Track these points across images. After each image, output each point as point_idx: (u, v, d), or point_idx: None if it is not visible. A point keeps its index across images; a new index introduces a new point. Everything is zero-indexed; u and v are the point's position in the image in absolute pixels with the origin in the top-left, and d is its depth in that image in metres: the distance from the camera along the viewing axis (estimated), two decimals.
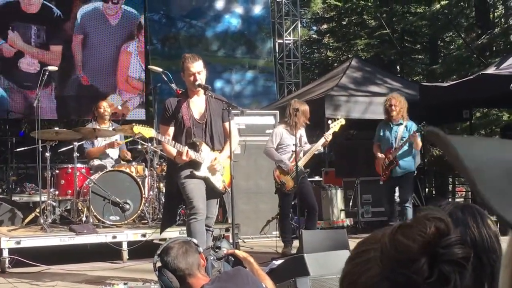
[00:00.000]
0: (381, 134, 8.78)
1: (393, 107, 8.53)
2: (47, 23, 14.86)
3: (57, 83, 14.56)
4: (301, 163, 8.01)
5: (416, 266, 0.96)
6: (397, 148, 8.50)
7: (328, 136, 8.00)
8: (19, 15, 14.59)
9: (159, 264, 3.64)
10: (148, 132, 5.97)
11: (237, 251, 4.27)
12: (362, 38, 20.42)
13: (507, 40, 18.10)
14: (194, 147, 5.78)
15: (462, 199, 20.87)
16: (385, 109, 8.73)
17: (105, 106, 9.17)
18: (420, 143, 8.66)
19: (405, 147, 8.49)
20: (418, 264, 0.96)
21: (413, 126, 8.53)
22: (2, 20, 14.36)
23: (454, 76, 17.11)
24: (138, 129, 5.97)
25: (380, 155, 8.69)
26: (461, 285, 0.98)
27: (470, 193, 18.45)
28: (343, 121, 8.37)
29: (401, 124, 8.58)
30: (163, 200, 7.99)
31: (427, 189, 14.15)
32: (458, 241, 0.99)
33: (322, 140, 8.03)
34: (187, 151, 5.64)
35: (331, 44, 23.54)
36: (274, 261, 5.16)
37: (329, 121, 8.39)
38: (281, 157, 8.15)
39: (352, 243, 6.39)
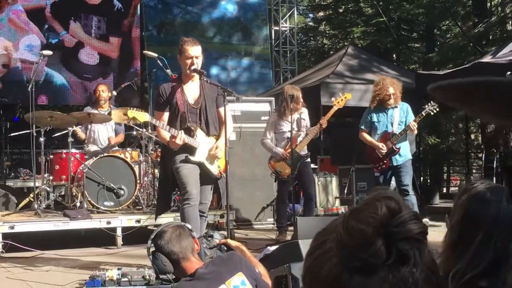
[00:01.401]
0: (374, 119, 7.82)
1: (391, 96, 7.69)
2: (108, 15, 15.25)
3: (116, 74, 14.93)
4: (298, 149, 8.00)
5: (372, 249, 0.94)
6: (396, 135, 7.67)
7: (324, 122, 8.01)
8: (82, 6, 15.00)
9: (153, 248, 3.63)
10: (142, 116, 5.93)
11: (229, 240, 4.27)
12: (359, 26, 20.35)
13: (504, 28, 18.05)
14: (189, 132, 5.75)
15: (457, 188, 20.93)
16: (380, 97, 7.73)
17: (101, 90, 9.16)
18: (416, 129, 7.83)
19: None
20: (375, 247, 0.94)
21: (408, 107, 7.84)
22: (65, 10, 14.73)
23: (451, 65, 17.06)
24: (132, 113, 5.93)
25: (377, 143, 7.76)
26: (421, 260, 0.96)
27: (464, 181, 18.48)
28: (348, 96, 8.34)
29: (396, 107, 7.78)
30: (158, 186, 7.98)
31: (422, 178, 14.16)
32: (412, 217, 0.97)
33: (317, 126, 8.03)
34: (182, 135, 5.61)
35: (327, 32, 23.49)
36: (268, 247, 5.15)
37: (332, 99, 8.35)
38: (272, 146, 8.23)
39: None
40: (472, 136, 19.01)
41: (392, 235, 0.95)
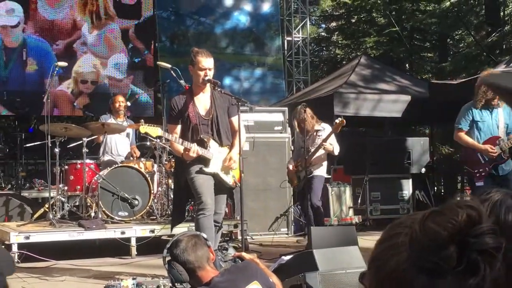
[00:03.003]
0: (477, 118, 6.67)
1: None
2: None
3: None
4: (302, 165, 8.31)
5: (444, 253, 0.94)
6: (504, 141, 6.64)
7: (328, 146, 8.16)
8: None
9: (168, 257, 3.65)
10: (155, 131, 5.96)
11: (243, 254, 4.28)
12: (371, 36, 20.34)
13: None
14: (202, 143, 5.78)
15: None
16: (482, 95, 6.63)
17: (121, 101, 9.33)
18: None
19: None
20: (447, 252, 0.94)
21: (510, 109, 6.67)
22: (148, 31, 15.65)
23: (464, 74, 17.03)
24: (145, 128, 5.97)
25: (482, 145, 6.63)
26: (490, 275, 0.96)
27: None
28: (343, 122, 8.16)
29: (499, 107, 6.69)
30: (172, 196, 8.02)
31: (435, 188, 14.10)
32: (490, 231, 0.96)
33: (321, 150, 8.25)
34: (195, 147, 5.65)
35: (340, 42, 23.49)
36: (283, 257, 5.16)
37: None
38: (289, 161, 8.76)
39: (361, 240, 6.38)
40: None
41: (467, 244, 0.95)
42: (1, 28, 14.09)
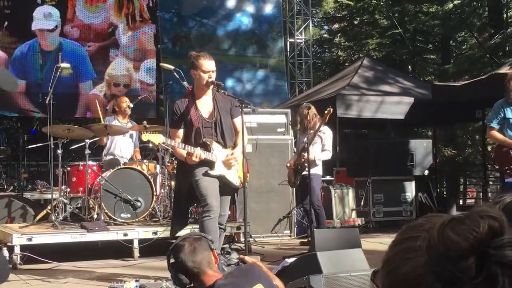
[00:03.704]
0: (509, 115, 6.52)
1: None
2: None
3: None
4: (297, 162, 8.46)
5: (463, 264, 0.92)
6: None
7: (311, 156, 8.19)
8: None
9: (172, 260, 3.63)
10: (157, 138, 5.93)
11: (246, 257, 4.27)
12: (374, 38, 20.34)
13: None
14: (205, 146, 5.77)
15: (473, 200, 20.78)
16: (510, 89, 6.47)
17: (127, 101, 9.34)
18: None
19: None
20: (466, 263, 0.92)
21: None
22: None
23: (466, 76, 17.01)
24: (147, 136, 5.95)
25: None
26: None
27: (481, 193, 18.35)
28: (330, 110, 8.05)
29: None
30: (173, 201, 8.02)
31: (438, 190, 14.08)
32: (511, 243, 0.94)
33: (316, 148, 8.39)
34: (198, 151, 5.63)
35: (342, 44, 23.49)
36: (286, 259, 5.14)
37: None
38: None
39: (364, 243, 6.37)
40: (489, 148, 18.88)
41: (487, 256, 0.92)
42: (38, 31, 14.40)
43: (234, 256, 4.28)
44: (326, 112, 7.98)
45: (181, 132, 5.85)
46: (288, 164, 8.65)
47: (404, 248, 1.01)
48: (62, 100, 13.93)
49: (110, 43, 15.16)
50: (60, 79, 14.11)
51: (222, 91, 5.91)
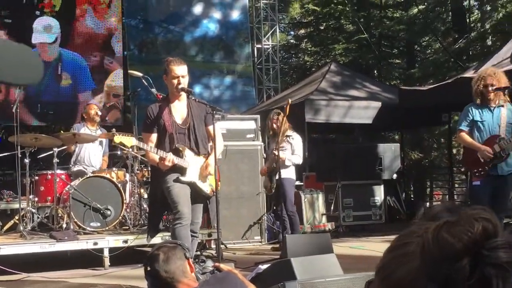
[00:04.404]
0: (478, 118, 6.54)
1: (489, 89, 6.42)
2: None
3: None
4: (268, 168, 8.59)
5: (457, 265, 0.93)
6: (505, 139, 6.43)
7: (282, 155, 8.25)
8: None
9: (148, 268, 3.59)
10: (129, 141, 5.87)
11: (221, 265, 4.24)
12: (340, 43, 20.49)
13: (484, 44, 18.28)
14: (178, 153, 5.74)
15: (439, 203, 20.99)
16: (477, 91, 6.54)
17: (96, 109, 9.24)
18: None
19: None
20: (460, 264, 0.93)
21: None
22: None
23: (431, 80, 17.22)
24: (119, 138, 5.87)
25: (480, 145, 6.48)
26: None
27: (447, 196, 18.57)
28: (288, 101, 8.02)
29: (502, 106, 6.52)
30: (147, 206, 7.95)
31: (405, 193, 14.22)
32: (505, 245, 0.95)
33: (288, 153, 8.45)
34: (170, 156, 5.60)
35: (309, 49, 23.61)
36: (260, 266, 5.12)
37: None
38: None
39: (335, 247, 6.39)
40: (454, 151, 19.13)
41: (481, 257, 0.94)
42: (39, 44, 14.34)
43: (209, 264, 4.24)
44: (285, 106, 7.95)
45: (154, 136, 5.81)
46: (264, 172, 8.70)
47: (398, 254, 1.02)
48: (61, 109, 14.14)
49: (108, 52, 15.19)
50: (60, 89, 14.19)
51: (193, 98, 5.88)
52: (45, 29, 14.37)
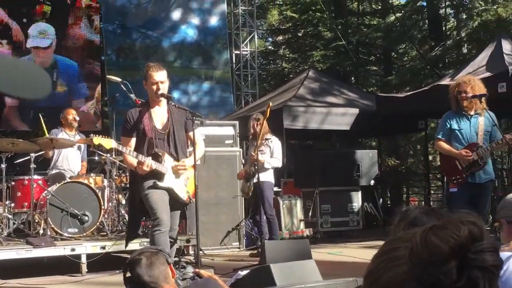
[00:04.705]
0: (455, 126, 6.59)
1: (463, 95, 6.45)
2: None
3: None
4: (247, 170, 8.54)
5: (445, 268, 0.95)
6: (483, 147, 6.46)
7: (260, 158, 8.27)
8: None
9: (128, 274, 3.58)
10: (108, 143, 5.85)
11: (201, 271, 4.24)
12: (318, 50, 20.60)
13: (460, 52, 18.48)
14: (157, 157, 5.71)
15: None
16: (453, 98, 6.59)
17: (73, 114, 9.16)
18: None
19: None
20: (447, 266, 0.95)
21: (494, 116, 6.59)
22: None
23: (408, 88, 17.38)
24: (98, 140, 5.85)
25: (458, 151, 6.51)
26: None
27: (423, 202, 18.71)
28: (268, 105, 8.00)
29: (480, 114, 6.55)
30: (126, 211, 7.91)
31: (381, 199, 14.30)
32: (491, 248, 0.98)
33: (266, 156, 8.45)
34: (149, 161, 5.58)
35: (287, 56, 23.70)
36: (239, 272, 5.13)
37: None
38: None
39: (313, 253, 6.41)
40: (430, 158, 19.29)
41: (468, 260, 0.96)
42: (33, 49, 14.51)
43: (190, 270, 4.24)
44: (266, 109, 7.98)
45: (133, 141, 5.78)
46: (241, 176, 8.69)
47: (386, 259, 1.03)
48: (55, 115, 14.10)
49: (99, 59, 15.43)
50: (55, 95, 14.18)
51: (173, 104, 5.87)
52: (40, 34, 14.52)
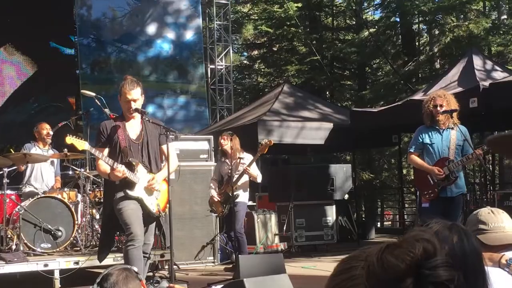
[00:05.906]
0: (427, 140, 6.70)
1: (438, 109, 6.57)
2: None
3: None
4: (228, 190, 8.34)
5: (401, 285, 0.98)
6: (454, 162, 6.55)
7: (252, 172, 8.32)
8: None
9: None
10: (82, 144, 5.68)
11: (176, 286, 4.25)
12: (293, 64, 20.71)
13: (432, 67, 18.72)
14: (130, 166, 5.69)
15: (390, 223, 21.30)
16: (427, 112, 6.69)
17: (48, 129, 9.07)
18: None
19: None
20: (404, 284, 0.98)
21: (467, 131, 6.67)
22: None
23: (382, 102, 17.53)
24: (71, 139, 5.72)
25: (430, 166, 6.62)
26: None
27: (397, 216, 18.83)
28: (270, 142, 8.20)
29: (452, 128, 6.65)
30: (100, 226, 7.86)
31: (356, 213, 14.37)
32: (444, 263, 1.01)
33: (245, 177, 8.37)
34: (122, 167, 5.56)
35: (262, 70, 23.80)
36: (213, 286, 5.14)
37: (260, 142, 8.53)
38: (210, 191, 8.69)
39: (287, 267, 6.44)
40: (404, 171, 19.44)
41: (423, 277, 0.98)
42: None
43: (164, 285, 4.25)
44: (264, 143, 8.10)
45: (106, 152, 5.74)
46: (216, 199, 8.55)
47: (344, 278, 1.05)
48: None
49: None
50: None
51: (147, 119, 5.87)
52: None
